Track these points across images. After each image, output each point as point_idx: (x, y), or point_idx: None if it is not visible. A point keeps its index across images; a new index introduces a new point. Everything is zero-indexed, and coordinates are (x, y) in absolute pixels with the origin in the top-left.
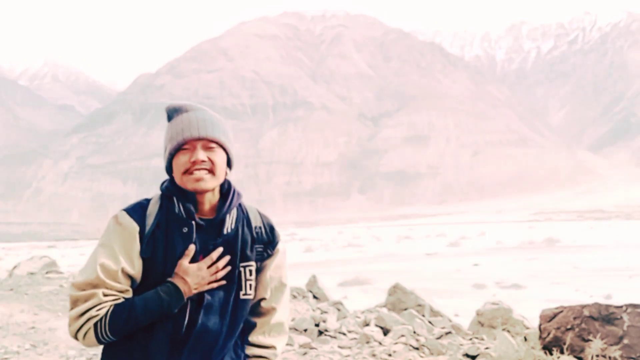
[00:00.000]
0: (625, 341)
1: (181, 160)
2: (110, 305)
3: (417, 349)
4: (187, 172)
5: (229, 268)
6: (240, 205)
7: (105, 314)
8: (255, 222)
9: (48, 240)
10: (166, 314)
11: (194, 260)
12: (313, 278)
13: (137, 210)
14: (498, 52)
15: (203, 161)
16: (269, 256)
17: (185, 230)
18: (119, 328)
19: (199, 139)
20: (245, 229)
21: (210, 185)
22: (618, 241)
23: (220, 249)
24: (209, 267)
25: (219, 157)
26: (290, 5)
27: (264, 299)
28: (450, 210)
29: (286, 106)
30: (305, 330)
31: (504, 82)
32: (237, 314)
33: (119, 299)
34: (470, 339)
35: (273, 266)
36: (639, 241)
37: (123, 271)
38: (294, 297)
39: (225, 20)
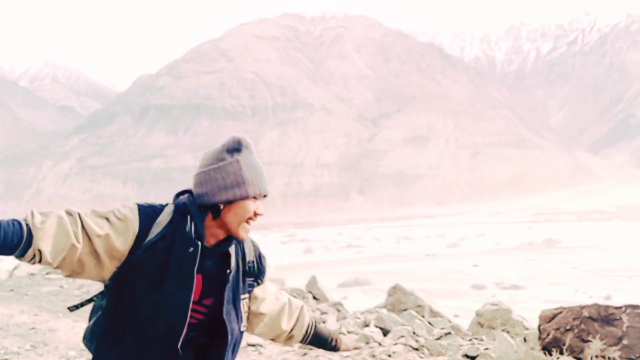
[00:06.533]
0: (625, 342)
1: (249, 208)
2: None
3: (416, 349)
4: (246, 221)
5: None
6: None
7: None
8: (249, 256)
9: None
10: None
11: (189, 283)
12: (313, 279)
13: (149, 213)
14: (497, 53)
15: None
16: (258, 285)
17: (190, 250)
18: None
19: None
20: (241, 262)
21: None
22: (617, 242)
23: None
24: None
25: None
26: (290, 7)
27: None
28: (450, 211)
29: (286, 107)
30: None
31: (503, 83)
32: (238, 346)
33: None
34: (470, 340)
35: (263, 286)
36: (638, 242)
37: (97, 236)
38: (294, 297)
39: (225, 22)
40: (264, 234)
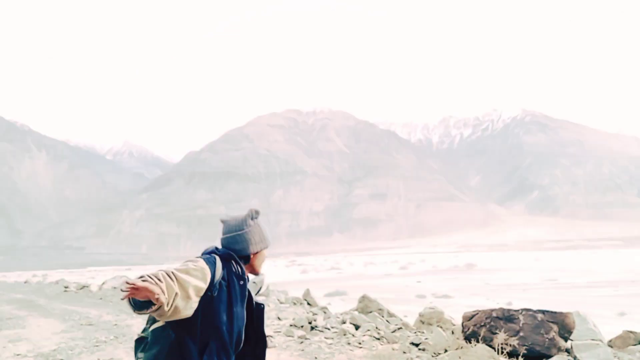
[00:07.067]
0: (521, 334)
1: (264, 256)
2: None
3: (378, 339)
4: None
5: None
6: None
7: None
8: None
9: (126, 265)
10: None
11: (244, 303)
12: (307, 291)
13: (212, 263)
14: (434, 136)
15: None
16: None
17: (241, 283)
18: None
19: None
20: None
21: None
22: (516, 265)
23: None
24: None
25: None
26: (292, 104)
27: None
28: (401, 244)
29: (289, 173)
30: (302, 326)
31: (437, 157)
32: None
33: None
34: (415, 332)
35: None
36: (530, 266)
37: (193, 288)
38: (294, 304)
39: (247, 114)
40: (274, 260)
